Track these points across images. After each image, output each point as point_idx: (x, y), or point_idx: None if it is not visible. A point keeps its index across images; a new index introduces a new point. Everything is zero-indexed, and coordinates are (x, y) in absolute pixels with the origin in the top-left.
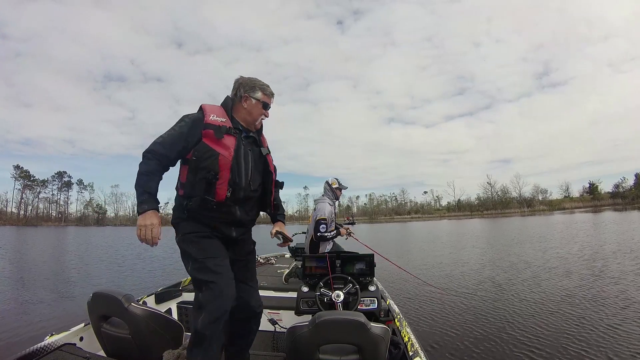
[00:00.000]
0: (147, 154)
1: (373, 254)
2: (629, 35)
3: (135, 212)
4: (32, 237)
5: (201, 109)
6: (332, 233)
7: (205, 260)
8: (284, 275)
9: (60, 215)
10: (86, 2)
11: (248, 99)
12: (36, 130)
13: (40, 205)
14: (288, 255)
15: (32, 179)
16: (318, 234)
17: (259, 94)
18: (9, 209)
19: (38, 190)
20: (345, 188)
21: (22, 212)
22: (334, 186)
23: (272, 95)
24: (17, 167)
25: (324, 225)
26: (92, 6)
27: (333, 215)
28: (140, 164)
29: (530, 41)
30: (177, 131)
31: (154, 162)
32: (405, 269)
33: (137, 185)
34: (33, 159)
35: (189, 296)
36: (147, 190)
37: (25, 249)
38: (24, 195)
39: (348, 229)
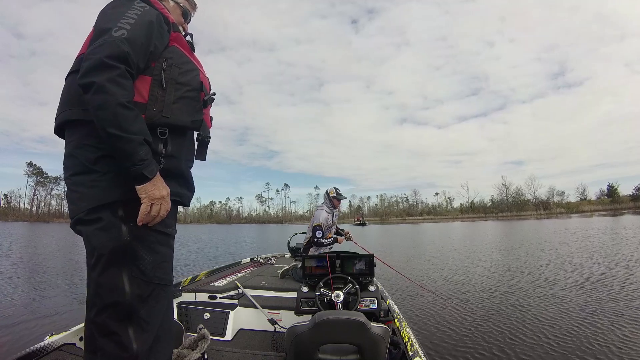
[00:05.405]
0: (110, 61)
1: (373, 254)
2: None
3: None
4: (42, 233)
5: None
6: (329, 240)
7: (165, 290)
8: (281, 272)
9: None
10: (99, 2)
11: None
12: (51, 128)
13: (53, 202)
14: (288, 255)
15: (44, 175)
16: (315, 240)
17: None
18: (21, 205)
19: (50, 187)
20: (344, 198)
21: (35, 208)
22: (331, 195)
23: (195, 5)
24: (29, 164)
25: (319, 231)
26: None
27: (330, 222)
28: (106, 85)
29: (544, 41)
30: (143, 22)
31: (129, 78)
32: (402, 273)
33: (121, 129)
34: (47, 157)
35: (189, 296)
36: (145, 137)
37: (31, 246)
38: (36, 192)
39: (347, 233)
